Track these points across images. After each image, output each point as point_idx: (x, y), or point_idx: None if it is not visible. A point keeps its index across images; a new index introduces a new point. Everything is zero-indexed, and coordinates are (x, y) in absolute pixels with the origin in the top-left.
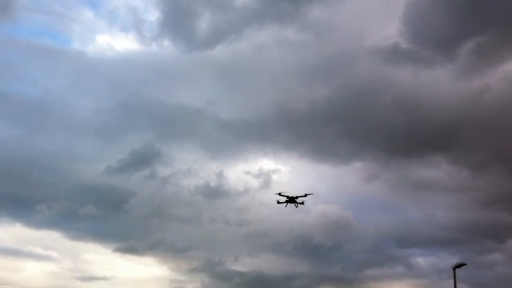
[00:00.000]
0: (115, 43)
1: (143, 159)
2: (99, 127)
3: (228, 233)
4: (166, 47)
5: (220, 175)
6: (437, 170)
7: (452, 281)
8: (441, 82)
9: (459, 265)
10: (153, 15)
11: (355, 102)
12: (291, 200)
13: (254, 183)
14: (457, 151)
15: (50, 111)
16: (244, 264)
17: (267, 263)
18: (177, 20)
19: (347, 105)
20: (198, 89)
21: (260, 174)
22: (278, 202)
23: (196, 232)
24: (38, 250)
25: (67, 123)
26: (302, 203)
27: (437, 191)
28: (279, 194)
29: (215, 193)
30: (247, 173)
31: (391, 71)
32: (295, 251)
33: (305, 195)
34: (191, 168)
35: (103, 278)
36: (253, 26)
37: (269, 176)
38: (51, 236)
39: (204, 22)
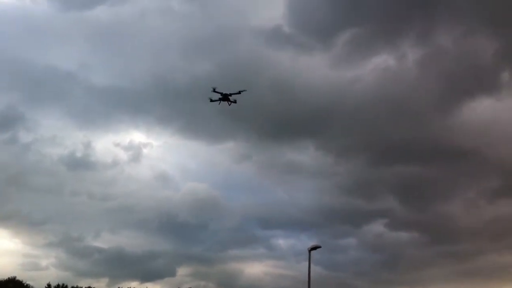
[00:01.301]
0: None
1: (4, 122)
2: None
3: (91, 207)
4: (40, 3)
5: (87, 145)
6: (305, 154)
7: (307, 263)
8: (317, 69)
9: (314, 248)
10: None
11: (233, 81)
12: (225, 97)
13: (123, 156)
14: (324, 137)
15: None
16: (105, 240)
17: (129, 240)
18: None
19: (226, 82)
20: (71, 51)
21: (130, 147)
22: (211, 100)
23: (56, 204)
24: None
25: None
26: (235, 101)
27: (303, 175)
28: (213, 90)
29: (81, 164)
30: (117, 145)
31: (271, 53)
32: (159, 228)
33: (239, 92)
34: (56, 135)
35: None
36: None
37: (139, 149)
38: None
39: None
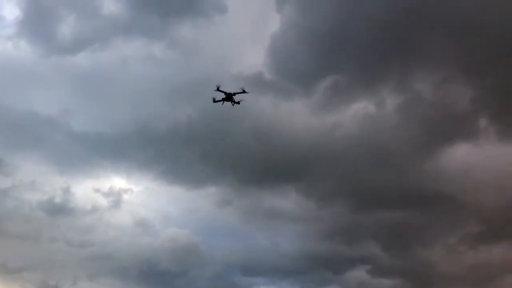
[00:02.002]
0: None
1: None
2: None
3: (69, 254)
4: (22, 48)
5: (66, 190)
6: (287, 200)
7: None
8: (298, 115)
9: None
10: (12, 13)
11: (215, 127)
12: (228, 97)
13: (103, 202)
14: (306, 182)
15: None
16: None
17: None
18: (38, 21)
19: (207, 129)
20: (53, 97)
21: (110, 193)
22: (214, 101)
23: (33, 251)
24: None
25: None
26: (239, 102)
27: (285, 220)
28: (217, 89)
29: (60, 210)
30: (97, 190)
31: (253, 100)
32: (139, 276)
33: (243, 91)
34: (35, 181)
35: None
36: (120, 37)
37: (120, 195)
38: None
39: (67, 27)
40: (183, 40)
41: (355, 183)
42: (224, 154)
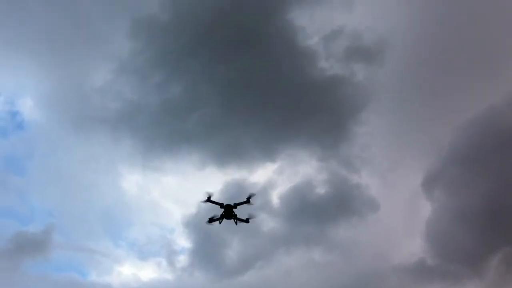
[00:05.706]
0: (140, 273)
1: None
2: None
3: None
4: (196, 276)
5: None
6: None
7: None
8: None
9: None
10: (182, 246)
11: None
12: (228, 211)
13: None
14: None
15: None
16: None
17: None
18: (207, 249)
19: None
20: None
21: None
22: (211, 221)
23: None
24: None
25: None
26: (247, 220)
27: None
28: (208, 199)
29: None
30: None
31: None
32: None
33: (248, 200)
34: None
35: None
36: (281, 250)
37: None
38: None
39: (232, 250)
40: (340, 241)
41: None
42: None
